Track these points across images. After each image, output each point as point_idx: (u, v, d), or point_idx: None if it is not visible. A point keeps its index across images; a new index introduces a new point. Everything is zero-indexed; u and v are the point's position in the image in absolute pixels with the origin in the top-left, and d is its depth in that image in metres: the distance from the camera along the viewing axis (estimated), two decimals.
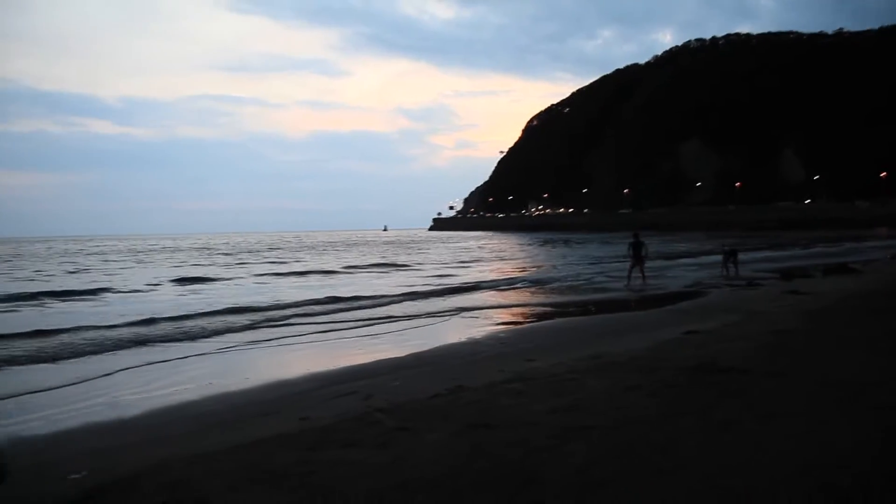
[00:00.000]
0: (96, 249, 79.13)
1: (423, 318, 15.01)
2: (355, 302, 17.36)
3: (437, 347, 11.09)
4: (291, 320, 14.66)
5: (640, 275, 21.73)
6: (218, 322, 14.11)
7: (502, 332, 12.83)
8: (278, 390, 8.24)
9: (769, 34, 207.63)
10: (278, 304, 16.90)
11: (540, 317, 14.99)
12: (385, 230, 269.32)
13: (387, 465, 5.00)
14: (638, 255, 21.71)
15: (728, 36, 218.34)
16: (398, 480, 4.66)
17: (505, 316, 15.52)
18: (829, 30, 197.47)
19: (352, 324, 14.38)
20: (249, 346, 12.05)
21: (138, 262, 48.33)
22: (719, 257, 25.83)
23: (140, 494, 4.69)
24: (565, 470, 4.71)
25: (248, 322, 14.37)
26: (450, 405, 6.74)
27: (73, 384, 8.98)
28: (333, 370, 9.38)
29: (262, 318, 14.74)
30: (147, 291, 23.58)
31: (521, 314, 15.70)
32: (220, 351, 11.61)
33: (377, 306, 16.66)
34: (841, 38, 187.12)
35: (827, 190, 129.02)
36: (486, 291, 21.22)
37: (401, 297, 18.49)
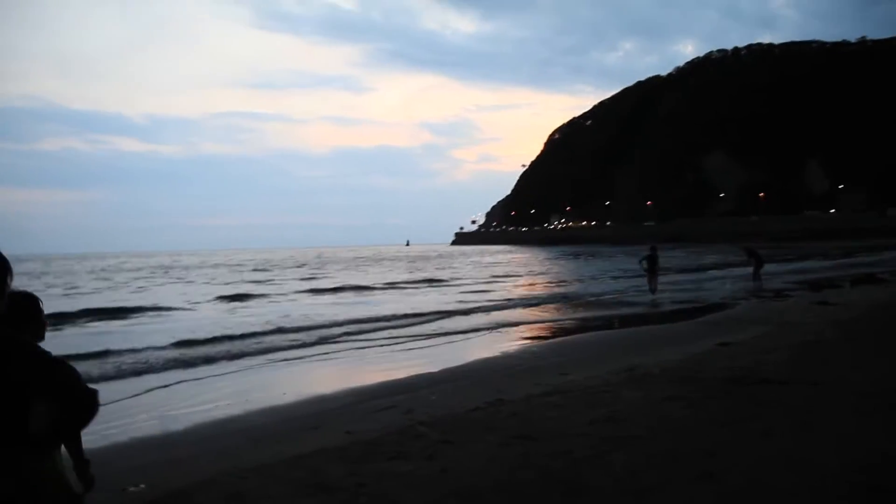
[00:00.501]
0: (127, 266, 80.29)
1: (458, 334, 15.19)
2: (395, 320, 17.50)
3: (471, 362, 11.26)
4: (341, 339, 14.84)
5: (655, 287, 21.68)
6: (267, 340, 14.34)
7: (535, 346, 12.98)
8: (319, 405, 8.44)
9: (791, 44, 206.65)
10: (325, 324, 16.98)
11: (571, 331, 15.10)
12: (408, 245, 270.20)
13: (436, 476, 5.17)
14: (653, 269, 21.69)
15: (750, 46, 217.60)
16: (448, 490, 4.82)
17: (537, 331, 15.65)
18: (852, 38, 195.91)
19: (387, 340, 14.57)
20: (286, 363, 12.32)
21: (175, 279, 48.98)
22: (748, 270, 25.73)
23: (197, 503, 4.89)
24: (609, 478, 4.85)
25: (295, 341, 14.55)
26: (491, 418, 6.90)
27: (118, 401, 9.24)
28: (371, 385, 9.57)
29: (316, 338, 14.92)
30: (189, 310, 23.81)
31: (553, 328, 15.82)
32: (257, 367, 11.86)
33: (418, 324, 16.78)
34: (864, 46, 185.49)
35: (851, 199, 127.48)
36: (518, 307, 21.31)
37: (438, 315, 18.61)
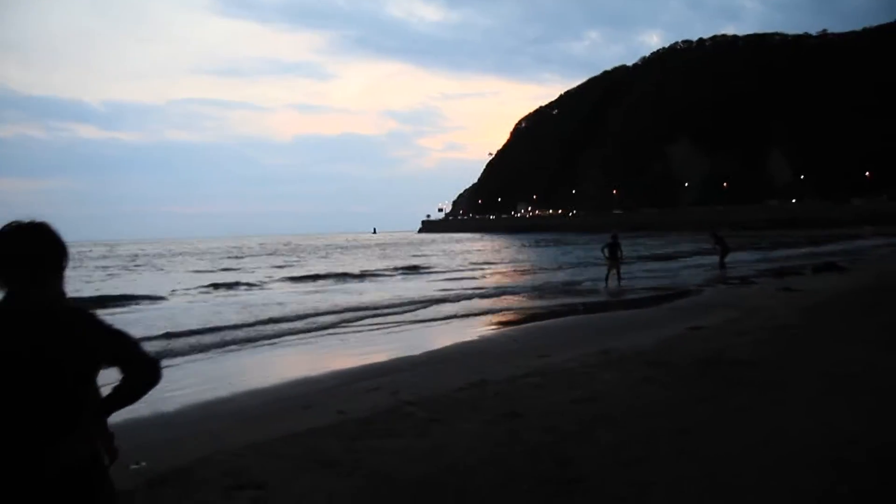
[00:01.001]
0: (92, 254, 78.59)
1: (437, 320, 15.42)
2: (380, 308, 17.51)
3: (451, 345, 11.49)
4: (324, 326, 14.84)
5: (617, 276, 21.80)
6: (252, 329, 14.31)
7: (512, 331, 13.27)
8: (306, 387, 8.60)
9: (754, 35, 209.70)
10: (309, 312, 16.85)
11: (546, 316, 15.40)
12: (374, 232, 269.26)
13: (429, 452, 5.39)
14: (615, 257, 21.82)
15: (714, 37, 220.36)
16: (443, 465, 5.04)
17: (513, 316, 15.94)
18: (814, 31, 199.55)
19: (369, 326, 14.73)
20: (270, 347, 12.45)
21: (147, 269, 48.24)
22: (714, 258, 26.36)
23: (201, 481, 5.04)
24: (596, 452, 5.12)
25: (279, 329, 14.54)
26: (476, 398, 7.14)
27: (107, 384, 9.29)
28: (355, 368, 9.75)
29: (301, 326, 14.89)
30: (164, 299, 23.21)
31: (529, 314, 16.09)
32: (240, 352, 11.97)
33: (401, 312, 16.85)
34: (825, 40, 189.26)
35: (813, 189, 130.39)
36: (494, 294, 21.51)
37: (420, 304, 18.64)
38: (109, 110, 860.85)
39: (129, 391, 2.18)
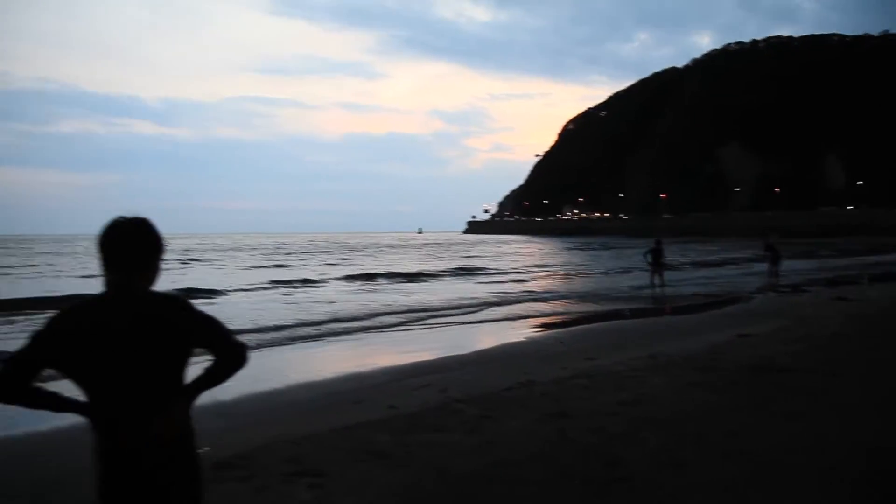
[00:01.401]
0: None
1: (486, 322, 15.56)
2: (439, 310, 17.43)
3: (499, 346, 11.66)
4: (384, 326, 15.00)
5: (661, 282, 21.66)
6: (323, 328, 14.47)
7: (558, 333, 13.35)
8: (358, 382, 8.83)
9: (811, 37, 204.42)
10: (374, 312, 16.98)
11: (592, 319, 15.43)
12: (420, 232, 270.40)
13: (479, 447, 5.54)
14: (658, 262, 21.73)
15: (769, 39, 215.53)
16: (493, 459, 5.19)
17: (558, 319, 16.00)
18: (874, 31, 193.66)
19: (424, 325, 14.92)
20: (320, 342, 12.77)
21: (205, 262, 49.26)
22: (764, 265, 25.92)
23: (262, 467, 5.28)
24: (643, 453, 5.20)
25: (347, 327, 14.76)
26: (524, 397, 7.27)
27: None
28: (404, 365, 9.96)
29: (364, 325, 15.05)
30: (224, 294, 23.46)
31: (574, 317, 16.13)
32: (293, 346, 12.30)
33: (463, 314, 16.84)
34: (886, 40, 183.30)
35: (870, 196, 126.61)
36: (546, 297, 21.36)
37: (480, 306, 18.51)
38: (164, 107, 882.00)
39: (219, 373, 2.39)
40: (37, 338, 2.25)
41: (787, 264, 28.08)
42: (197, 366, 2.42)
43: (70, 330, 2.24)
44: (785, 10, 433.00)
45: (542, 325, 14.71)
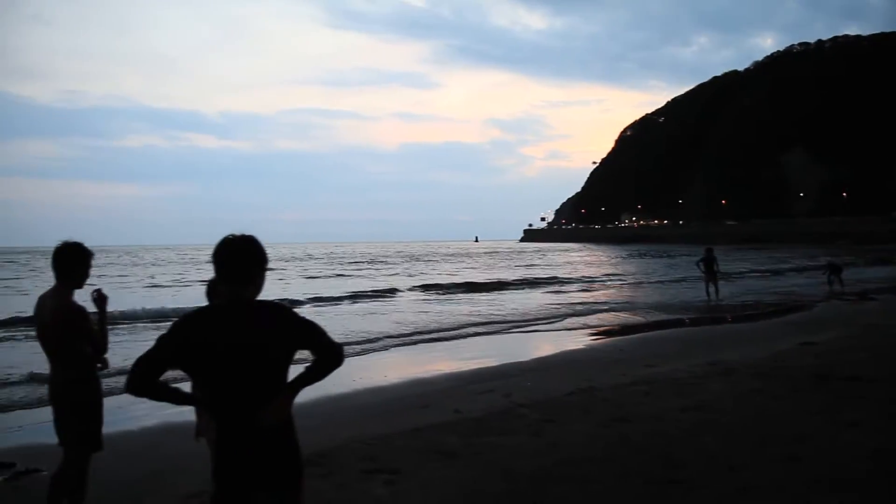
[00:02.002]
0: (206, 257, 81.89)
1: (547, 331, 15.74)
2: (520, 321, 17.44)
3: (558, 353, 11.87)
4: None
5: (715, 290, 21.43)
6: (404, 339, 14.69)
7: (618, 341, 13.46)
8: (422, 387, 9.17)
9: (880, 35, 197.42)
10: (453, 325, 16.89)
11: (652, 328, 15.46)
12: (476, 241, 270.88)
13: (544, 449, 5.80)
14: (711, 271, 21.50)
15: (835, 38, 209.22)
16: (558, 459, 5.45)
17: (618, 327, 16.05)
18: None
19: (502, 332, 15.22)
20: (385, 349, 13.18)
21: (275, 272, 50.02)
22: (824, 273, 25.36)
23: (341, 464, 5.64)
24: (703, 456, 5.38)
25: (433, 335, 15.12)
26: (586, 402, 7.49)
27: None
28: (466, 371, 10.27)
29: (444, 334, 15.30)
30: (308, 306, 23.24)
31: (634, 325, 16.16)
32: (357, 354, 12.71)
33: (539, 323, 16.96)
34: None
35: None
36: (603, 306, 21.18)
37: (554, 317, 18.29)
38: (224, 120, 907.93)
39: (319, 371, 2.73)
40: (163, 340, 2.64)
41: (854, 271, 27.40)
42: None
43: (192, 334, 2.62)
44: (853, 8, 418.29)
45: (602, 334, 14.80)
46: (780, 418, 6.38)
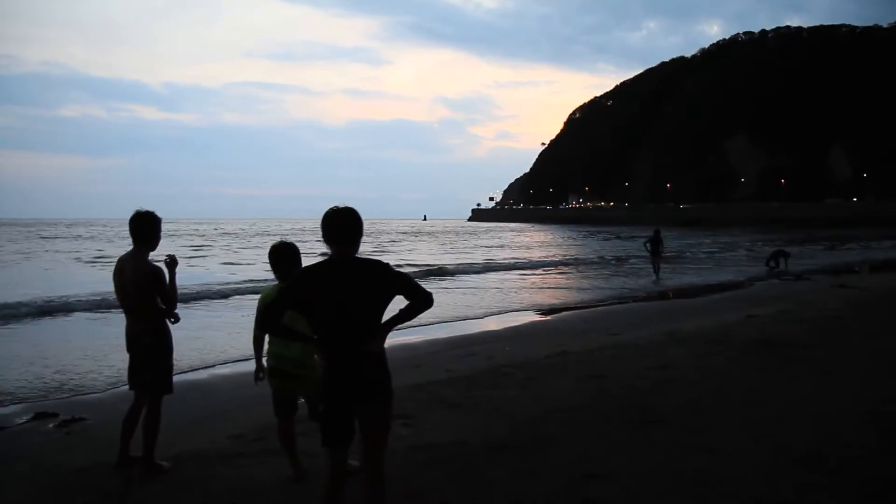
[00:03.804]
0: (172, 231, 79.66)
1: (510, 310, 16.56)
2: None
3: (528, 323, 12.80)
4: None
5: (657, 270, 22.36)
6: None
7: (582, 313, 14.46)
8: (409, 351, 9.91)
9: (821, 27, 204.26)
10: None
11: (611, 302, 16.53)
12: (425, 219, 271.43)
13: (533, 400, 6.66)
14: (657, 251, 22.39)
15: (778, 29, 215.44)
16: (548, 407, 6.31)
17: (579, 301, 17.07)
18: (884, 23, 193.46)
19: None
20: None
21: (243, 247, 49.88)
22: (767, 250, 26.92)
23: None
24: (673, 404, 6.30)
25: None
26: (562, 363, 8.39)
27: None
28: (447, 338, 11.08)
29: None
30: None
31: (593, 300, 17.17)
32: None
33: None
34: None
35: (876, 188, 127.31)
36: (559, 284, 22.40)
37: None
38: (169, 92, 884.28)
39: (412, 311, 3.48)
40: (288, 290, 3.38)
41: (790, 250, 29.08)
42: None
43: (309, 282, 3.36)
44: (795, 0, 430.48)
45: (565, 308, 15.78)
46: (732, 375, 7.40)
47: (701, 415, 5.92)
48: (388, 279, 3.44)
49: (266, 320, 3.41)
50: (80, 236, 71.75)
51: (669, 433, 5.44)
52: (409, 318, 3.50)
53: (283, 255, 4.67)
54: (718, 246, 47.09)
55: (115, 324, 10.31)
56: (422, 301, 3.50)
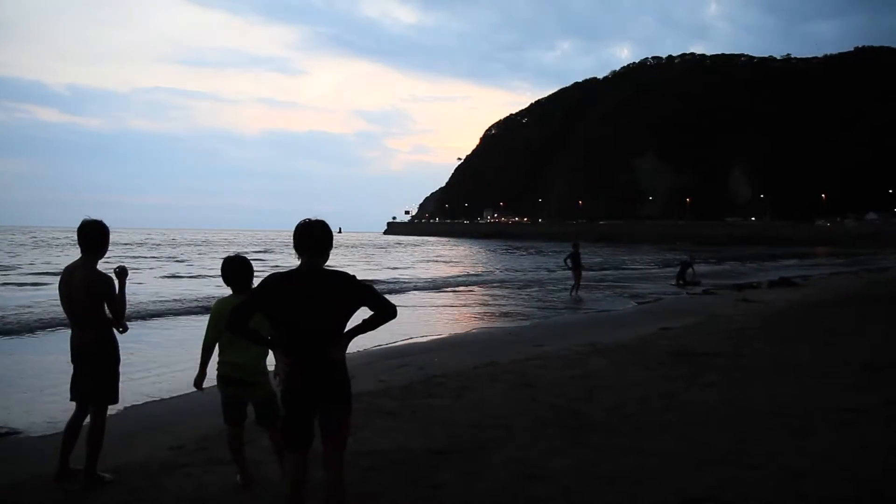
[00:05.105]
0: (66, 241, 77.06)
1: (442, 318, 16.87)
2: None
3: (455, 335, 13.06)
4: None
5: (576, 284, 22.44)
6: None
7: (506, 325, 14.83)
8: None
9: (722, 55, 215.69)
10: None
11: (533, 316, 16.97)
12: (340, 232, 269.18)
13: (469, 407, 6.90)
14: (577, 265, 22.59)
15: (683, 55, 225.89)
16: (484, 415, 6.56)
17: (501, 315, 17.48)
18: (778, 55, 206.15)
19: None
20: None
21: (170, 258, 48.10)
22: (675, 269, 28.22)
23: None
24: (601, 409, 6.68)
25: None
26: (492, 373, 8.67)
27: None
28: (376, 349, 11.17)
29: None
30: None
31: (522, 313, 17.58)
32: None
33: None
34: (789, 64, 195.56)
35: (772, 208, 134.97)
36: (479, 299, 22.94)
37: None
38: (71, 94, 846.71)
39: (375, 322, 3.64)
40: (257, 294, 3.52)
41: (696, 269, 30.57)
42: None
43: (279, 289, 3.50)
44: (699, 29, 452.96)
45: (489, 319, 16.14)
46: (652, 382, 7.85)
47: (628, 419, 6.30)
48: (354, 290, 3.61)
49: (235, 321, 3.50)
50: None
51: (600, 436, 5.78)
52: (372, 329, 3.67)
53: (243, 266, 4.77)
54: (630, 260, 48.90)
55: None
56: (385, 313, 3.67)
